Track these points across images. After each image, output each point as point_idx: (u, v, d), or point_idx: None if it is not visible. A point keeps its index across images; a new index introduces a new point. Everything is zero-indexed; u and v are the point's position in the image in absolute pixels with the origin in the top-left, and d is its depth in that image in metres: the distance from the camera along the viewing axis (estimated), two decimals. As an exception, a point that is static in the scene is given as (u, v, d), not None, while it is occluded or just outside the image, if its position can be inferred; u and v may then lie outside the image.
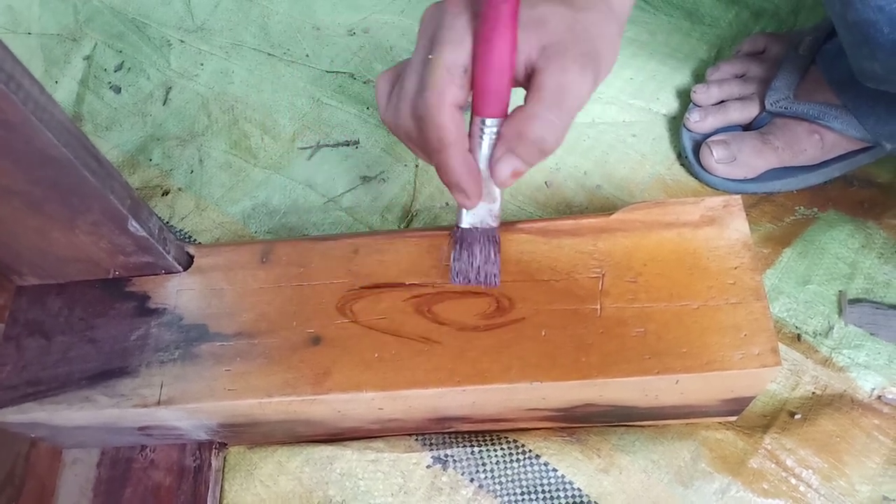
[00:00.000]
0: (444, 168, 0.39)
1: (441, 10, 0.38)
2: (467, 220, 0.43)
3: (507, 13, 0.35)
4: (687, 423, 0.51)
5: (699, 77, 0.69)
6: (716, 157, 0.60)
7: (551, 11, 0.37)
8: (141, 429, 0.47)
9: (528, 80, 0.38)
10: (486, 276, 0.44)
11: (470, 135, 0.39)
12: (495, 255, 0.44)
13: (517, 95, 0.39)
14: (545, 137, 0.37)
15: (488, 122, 0.38)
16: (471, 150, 0.39)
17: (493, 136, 0.39)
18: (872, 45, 0.47)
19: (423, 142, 0.39)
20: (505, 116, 0.38)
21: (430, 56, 0.37)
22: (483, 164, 0.40)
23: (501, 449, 0.50)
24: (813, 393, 0.52)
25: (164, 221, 0.65)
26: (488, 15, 0.36)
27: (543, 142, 0.37)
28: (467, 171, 0.39)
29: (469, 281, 0.44)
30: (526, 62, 0.38)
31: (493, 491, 0.49)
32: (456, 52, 0.37)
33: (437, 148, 0.38)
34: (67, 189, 0.39)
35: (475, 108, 0.38)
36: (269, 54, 0.76)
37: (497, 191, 0.42)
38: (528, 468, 0.49)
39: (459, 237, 0.43)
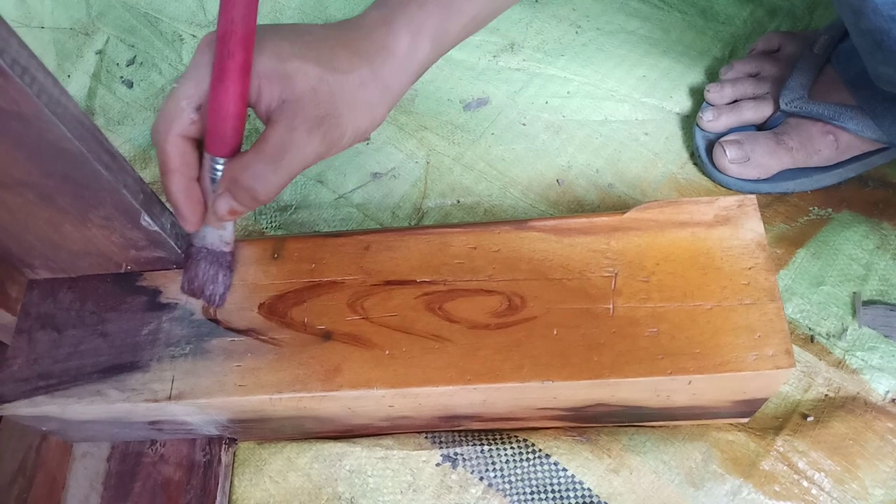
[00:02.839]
0: (165, 191, 0.41)
1: (202, 44, 0.39)
2: (197, 240, 0.45)
3: (233, 68, 0.37)
4: (698, 425, 0.50)
5: (713, 75, 0.68)
6: (729, 157, 0.60)
7: (299, 69, 0.38)
8: (151, 423, 0.48)
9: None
10: (210, 295, 0.45)
11: (202, 166, 0.41)
12: (223, 277, 0.45)
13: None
14: (255, 188, 0.39)
15: (216, 160, 0.40)
16: (201, 180, 0.41)
17: (220, 174, 0.41)
18: (886, 52, 0.47)
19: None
20: (231, 156, 0.40)
21: (174, 85, 0.38)
22: (211, 197, 0.41)
23: (511, 448, 0.50)
24: (826, 395, 0.52)
25: (175, 216, 0.65)
26: (216, 67, 0.37)
27: (254, 191, 0.39)
28: (185, 197, 0.41)
29: (195, 295, 0.46)
30: (266, 110, 0.39)
31: (502, 490, 0.49)
32: (193, 89, 0.38)
33: (161, 171, 0.40)
34: (80, 182, 0.39)
35: (205, 145, 0.40)
36: (281, 50, 0.76)
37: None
38: (538, 467, 0.49)
39: (190, 254, 0.45)
